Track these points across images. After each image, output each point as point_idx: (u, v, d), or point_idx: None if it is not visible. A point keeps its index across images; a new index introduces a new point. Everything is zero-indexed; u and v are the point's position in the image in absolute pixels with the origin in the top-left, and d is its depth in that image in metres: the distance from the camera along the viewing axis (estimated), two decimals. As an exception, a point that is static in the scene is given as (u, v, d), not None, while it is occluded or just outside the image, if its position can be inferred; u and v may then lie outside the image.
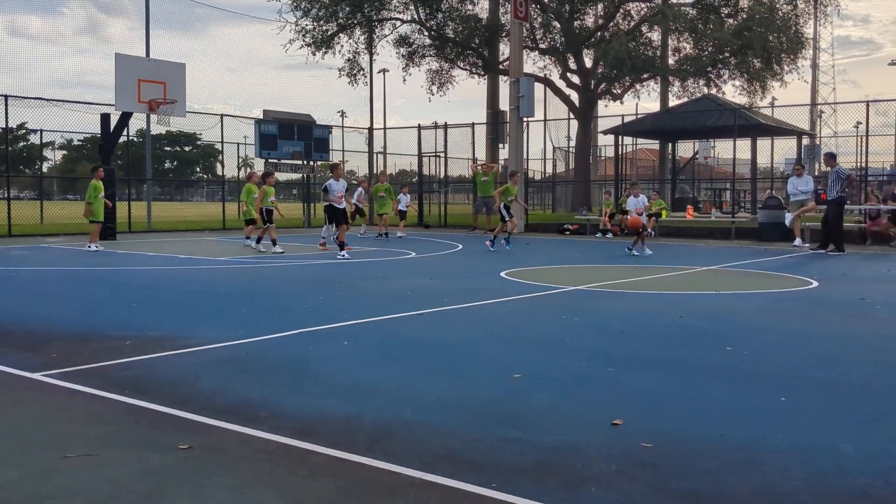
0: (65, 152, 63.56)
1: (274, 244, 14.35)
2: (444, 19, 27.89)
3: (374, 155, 29.17)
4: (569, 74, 27.63)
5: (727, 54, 24.74)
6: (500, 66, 28.01)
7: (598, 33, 26.86)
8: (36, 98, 20.09)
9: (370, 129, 29.65)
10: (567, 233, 21.11)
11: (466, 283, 9.60)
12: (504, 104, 25.76)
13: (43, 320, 6.67)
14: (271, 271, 11.16)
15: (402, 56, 28.70)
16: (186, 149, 77.24)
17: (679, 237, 19.27)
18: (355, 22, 27.72)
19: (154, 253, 14.15)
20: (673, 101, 29.48)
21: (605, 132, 27.60)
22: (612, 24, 27.00)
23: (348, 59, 28.31)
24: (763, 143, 28.87)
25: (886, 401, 4.23)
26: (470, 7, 28.32)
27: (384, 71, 42.51)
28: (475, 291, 8.58)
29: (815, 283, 9.70)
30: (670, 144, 29.89)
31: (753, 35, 23.22)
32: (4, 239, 17.66)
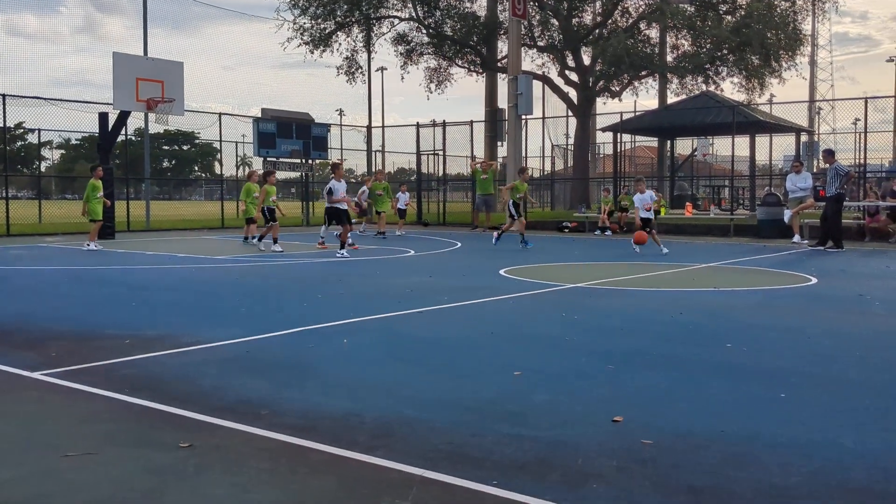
0: (63, 151, 63.54)
1: (274, 242, 14.35)
2: (442, 17, 27.88)
3: (373, 153, 29.17)
4: (567, 72, 27.63)
5: (725, 51, 24.74)
6: (499, 64, 28.01)
7: (597, 30, 26.85)
8: (34, 97, 20.09)
9: (368, 128, 29.64)
10: (566, 230, 21.12)
11: (466, 280, 9.60)
12: (502, 102, 25.79)
13: (42, 319, 6.66)
14: (270, 270, 11.15)
15: (401, 54, 28.70)
16: (185, 148, 77.15)
17: (678, 234, 19.27)
18: (353, 20, 27.71)
19: (153, 252, 14.15)
20: (671, 99, 29.50)
21: (604, 129, 27.61)
22: (610, 21, 26.99)
23: (346, 58, 28.30)
24: (761, 140, 28.91)
25: (885, 396, 4.24)
26: (468, 5, 28.33)
27: (382, 69, 42.46)
28: (475, 289, 8.58)
29: (814, 280, 9.71)
30: (669, 142, 29.90)
31: (752, 32, 23.22)
32: (3, 238, 17.65)
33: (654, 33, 27.71)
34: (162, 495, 2.84)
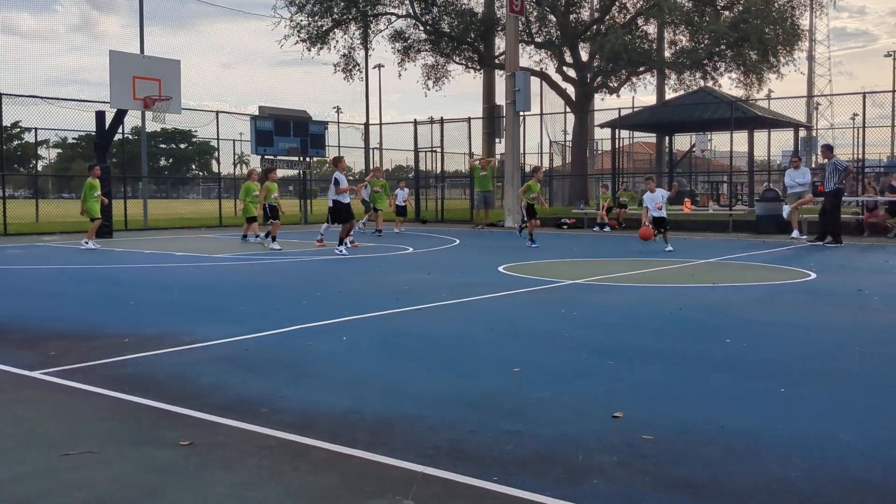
0: (60, 150, 63.43)
1: (273, 240, 14.34)
2: (440, 14, 27.85)
3: (371, 150, 29.15)
4: (565, 68, 27.62)
5: (723, 47, 24.74)
6: (496, 61, 27.98)
7: (594, 26, 26.83)
8: (30, 96, 20.05)
9: (366, 125, 29.63)
10: (564, 227, 21.11)
11: (465, 277, 9.59)
12: (500, 98, 25.76)
13: (40, 319, 6.65)
14: (269, 268, 11.14)
15: (398, 51, 28.67)
16: (182, 146, 77.06)
17: (676, 230, 19.23)
18: (350, 17, 27.67)
19: (151, 250, 14.13)
20: (669, 94, 29.49)
21: (602, 126, 27.60)
22: (607, 17, 26.96)
23: (343, 55, 28.28)
24: (760, 136, 28.93)
25: (885, 391, 4.24)
26: (465, 1, 28.30)
27: (380, 66, 42.43)
28: (474, 286, 8.58)
29: (813, 275, 9.72)
30: (667, 138, 29.90)
31: (750, 27, 23.21)
32: (0, 238, 17.61)
33: (651, 29, 27.70)
34: (163, 493, 2.83)
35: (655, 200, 13.37)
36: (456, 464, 3.09)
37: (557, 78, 27.97)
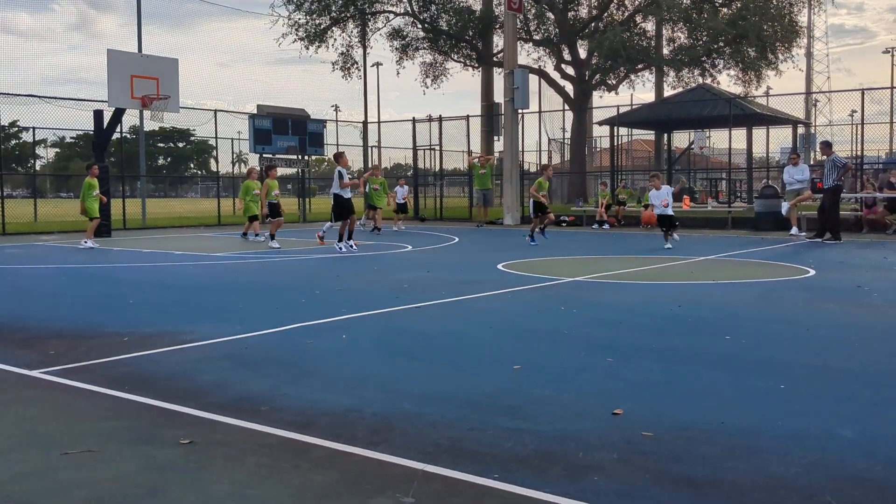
0: (58, 150, 63.34)
1: (272, 238, 14.33)
2: (438, 11, 27.84)
3: (369, 149, 29.14)
4: (563, 65, 27.61)
5: (722, 44, 24.74)
6: (495, 58, 27.96)
7: (593, 24, 26.83)
8: (28, 95, 20.01)
9: (364, 123, 29.62)
10: (563, 224, 21.11)
11: (464, 275, 9.59)
12: (498, 96, 25.76)
13: (40, 318, 6.65)
14: (268, 266, 11.14)
15: (396, 49, 28.66)
16: (180, 145, 77.00)
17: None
18: (348, 15, 27.66)
19: (150, 249, 14.12)
20: (668, 92, 29.51)
21: (601, 123, 27.58)
22: (606, 14, 26.96)
23: (342, 53, 28.27)
24: (758, 133, 28.92)
25: (885, 387, 4.25)
26: (463, -1, 28.27)
27: (378, 64, 42.38)
28: (473, 284, 8.58)
29: (812, 272, 9.72)
30: (666, 135, 29.90)
31: (748, 24, 23.22)
32: (-1, 237, 17.59)
33: (650, 26, 27.71)
34: (164, 492, 2.83)
35: (662, 198, 13.24)
36: (456, 461, 3.09)
37: (556, 75, 27.98)
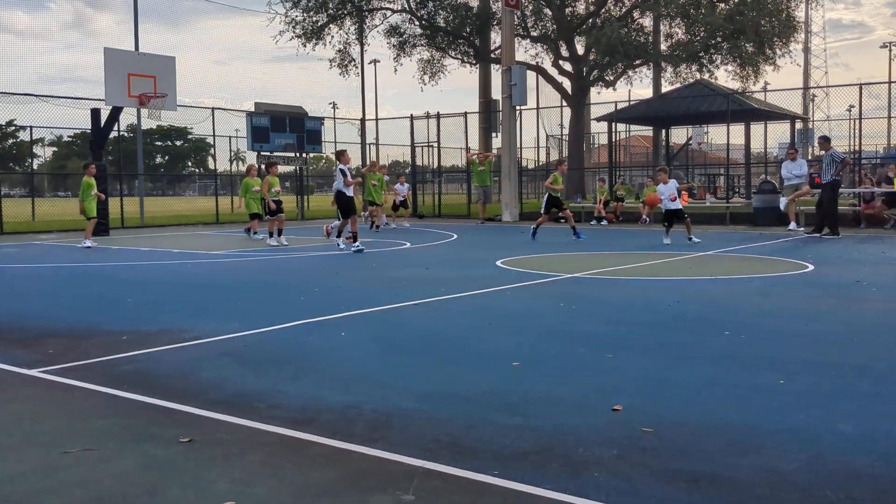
0: (55, 149, 63.23)
1: (270, 236, 14.32)
2: (435, 8, 27.79)
3: (367, 146, 29.11)
4: (561, 62, 27.58)
5: (719, 39, 24.74)
6: (492, 55, 27.93)
7: (590, 20, 26.80)
8: (25, 94, 19.97)
9: (362, 120, 29.58)
10: (562, 221, 21.07)
11: (463, 272, 9.59)
12: (496, 93, 25.74)
13: (38, 317, 6.64)
14: (266, 264, 11.13)
15: (393, 46, 28.62)
16: (178, 143, 76.91)
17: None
18: (345, 12, 27.61)
19: (148, 248, 14.11)
20: (666, 87, 29.51)
21: (599, 119, 27.59)
22: (603, 10, 26.94)
23: (339, 50, 28.22)
24: (756, 128, 28.95)
25: (884, 381, 4.25)
26: (460, -5, 28.22)
27: (375, 61, 42.39)
28: (472, 280, 8.58)
29: (811, 267, 9.73)
30: (664, 131, 29.90)
31: (745, 19, 23.21)
32: (-3, 236, 17.57)
33: (647, 22, 27.70)
34: (163, 490, 2.83)
35: (670, 192, 13.11)
36: (456, 458, 3.09)
37: (553, 72, 27.96)
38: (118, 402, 4.00)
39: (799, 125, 29.50)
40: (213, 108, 24.73)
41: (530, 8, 26.71)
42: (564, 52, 27.26)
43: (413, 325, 6.09)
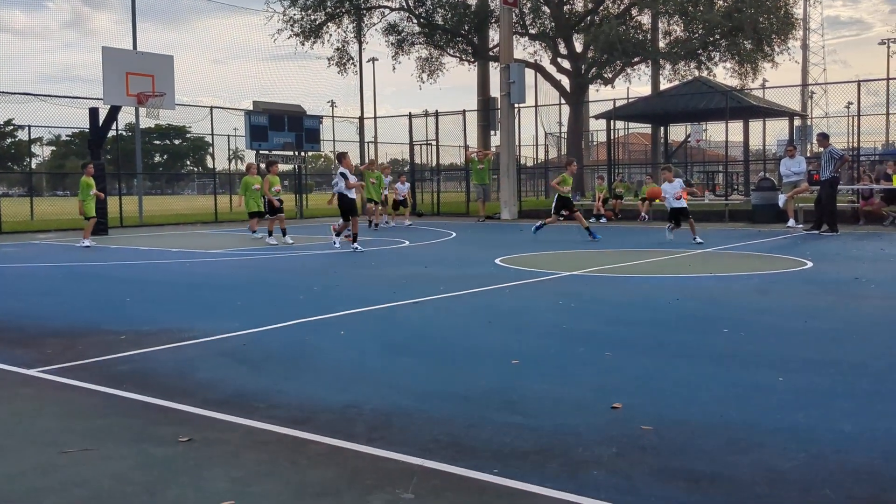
0: (53, 148, 63.19)
1: (270, 234, 14.31)
2: (433, 6, 27.73)
3: (366, 144, 29.08)
4: (559, 59, 27.54)
5: (717, 36, 24.70)
6: (491, 53, 27.89)
7: (588, 17, 26.76)
8: (23, 93, 19.94)
9: (361, 119, 29.55)
10: (561, 219, 21.06)
11: (462, 270, 9.59)
12: (495, 91, 25.70)
13: (37, 316, 6.63)
14: (265, 263, 11.12)
15: (392, 44, 28.55)
16: (176, 142, 76.82)
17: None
18: (343, 11, 27.56)
19: (147, 247, 14.10)
20: (664, 85, 29.46)
21: (597, 117, 27.57)
22: (601, 7, 26.89)
23: (337, 49, 28.16)
24: (755, 125, 28.93)
25: (883, 379, 4.25)
26: (458, -7, 28.15)
27: (373, 60, 42.33)
28: (471, 279, 8.57)
29: (810, 264, 9.73)
30: (662, 128, 29.88)
31: (744, 16, 23.18)
32: (-5, 236, 17.55)
33: (645, 19, 27.63)
34: (163, 489, 2.83)
35: (675, 190, 13.06)
36: (455, 457, 3.09)
37: (552, 69, 27.90)
38: (117, 401, 4.00)
39: (797, 122, 29.49)
40: (211, 107, 24.73)
41: (528, 5, 26.66)
42: (563, 49, 27.22)
43: (412, 324, 6.09)
